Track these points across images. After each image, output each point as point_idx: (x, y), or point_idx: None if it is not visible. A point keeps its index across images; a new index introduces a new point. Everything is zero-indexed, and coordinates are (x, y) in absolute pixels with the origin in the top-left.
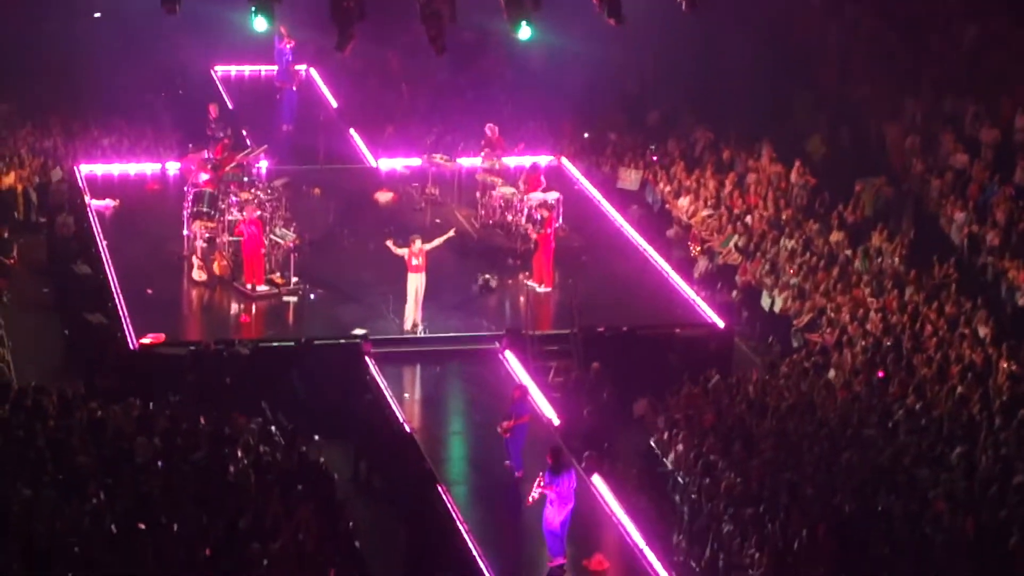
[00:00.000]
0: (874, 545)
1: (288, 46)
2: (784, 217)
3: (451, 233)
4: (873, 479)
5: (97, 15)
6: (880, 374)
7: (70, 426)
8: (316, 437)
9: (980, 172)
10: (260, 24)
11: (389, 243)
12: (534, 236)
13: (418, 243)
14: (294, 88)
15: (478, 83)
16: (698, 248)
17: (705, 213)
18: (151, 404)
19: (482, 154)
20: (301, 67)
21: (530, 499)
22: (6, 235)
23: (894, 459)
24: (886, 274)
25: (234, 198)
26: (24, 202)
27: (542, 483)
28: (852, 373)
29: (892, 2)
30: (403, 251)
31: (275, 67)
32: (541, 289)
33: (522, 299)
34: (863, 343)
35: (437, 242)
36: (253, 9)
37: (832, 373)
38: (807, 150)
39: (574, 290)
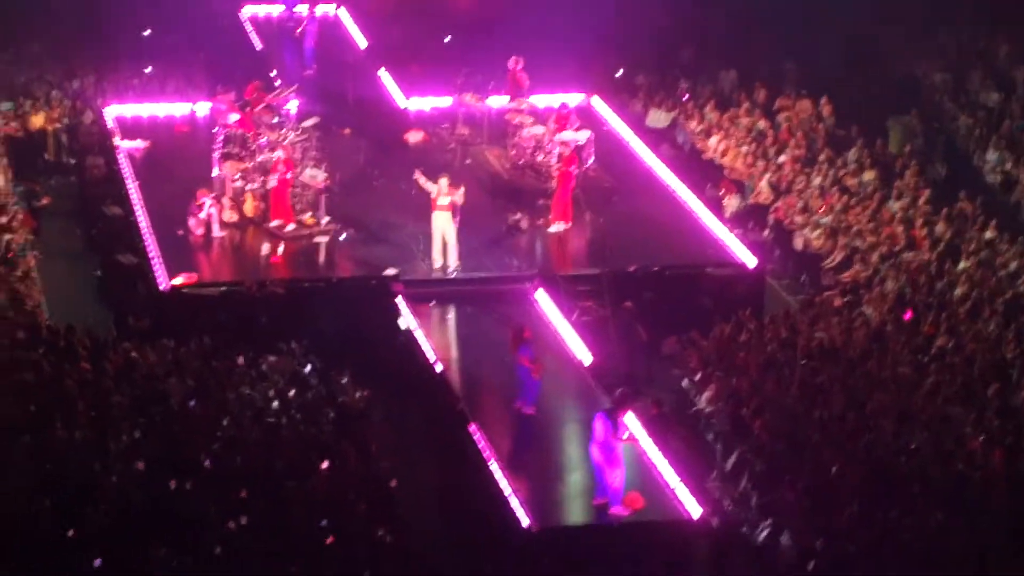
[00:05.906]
0: (906, 482)
1: None
2: (815, 155)
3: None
4: (906, 417)
5: None
6: (908, 313)
7: (103, 367)
8: (348, 377)
9: (1014, 110)
10: None
11: (418, 175)
12: (554, 174)
13: (444, 182)
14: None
15: (507, 21)
16: (729, 187)
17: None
18: (183, 345)
19: (510, 97)
20: (329, 7)
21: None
22: (37, 181)
23: (927, 397)
24: (917, 212)
25: (264, 139)
26: (54, 144)
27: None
28: (884, 312)
29: None
30: (432, 187)
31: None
32: (555, 228)
33: (552, 239)
34: (895, 281)
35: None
36: None
37: (864, 311)
38: (838, 89)
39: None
